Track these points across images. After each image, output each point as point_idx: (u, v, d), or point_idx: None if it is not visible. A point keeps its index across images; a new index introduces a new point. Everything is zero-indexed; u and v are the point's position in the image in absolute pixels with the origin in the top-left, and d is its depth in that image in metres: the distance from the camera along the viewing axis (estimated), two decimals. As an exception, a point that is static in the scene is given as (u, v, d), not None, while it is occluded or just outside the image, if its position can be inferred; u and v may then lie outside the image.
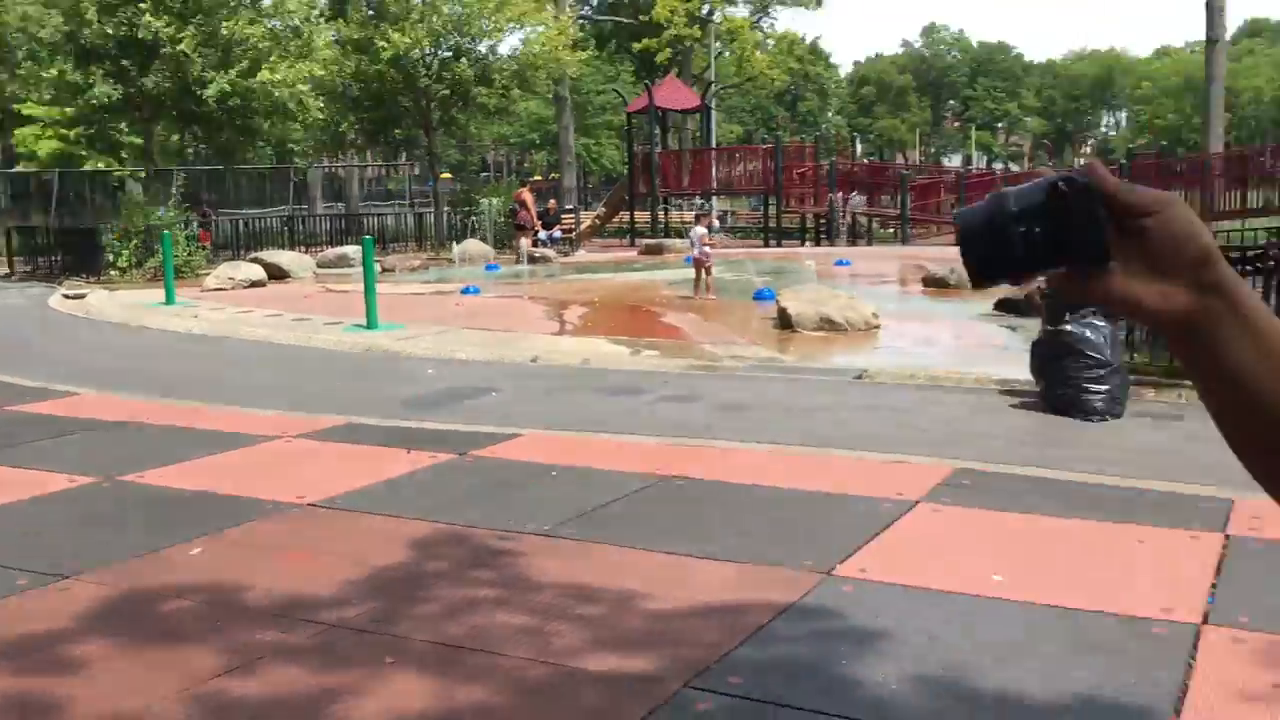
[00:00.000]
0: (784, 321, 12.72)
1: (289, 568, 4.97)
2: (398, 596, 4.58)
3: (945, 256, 20.19)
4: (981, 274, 0.87)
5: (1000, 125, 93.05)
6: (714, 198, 34.33)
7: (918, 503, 5.82)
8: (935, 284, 17.23)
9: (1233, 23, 71.24)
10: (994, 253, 0.86)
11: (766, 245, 29.40)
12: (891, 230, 30.51)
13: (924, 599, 4.47)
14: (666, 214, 31.86)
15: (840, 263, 21.67)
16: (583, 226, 31.11)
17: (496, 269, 22.33)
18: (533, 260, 22.69)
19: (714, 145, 37.63)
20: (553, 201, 31.52)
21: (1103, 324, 8.46)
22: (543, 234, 26.42)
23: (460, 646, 4.05)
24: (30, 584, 4.78)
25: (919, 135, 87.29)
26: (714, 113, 39.20)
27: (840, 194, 30.59)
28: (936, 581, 4.65)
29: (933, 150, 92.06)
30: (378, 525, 5.58)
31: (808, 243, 30.24)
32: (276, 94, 24.68)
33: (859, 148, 70.06)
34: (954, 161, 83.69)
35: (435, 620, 4.32)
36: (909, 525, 5.49)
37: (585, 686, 3.71)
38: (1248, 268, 10.22)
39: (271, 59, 24.80)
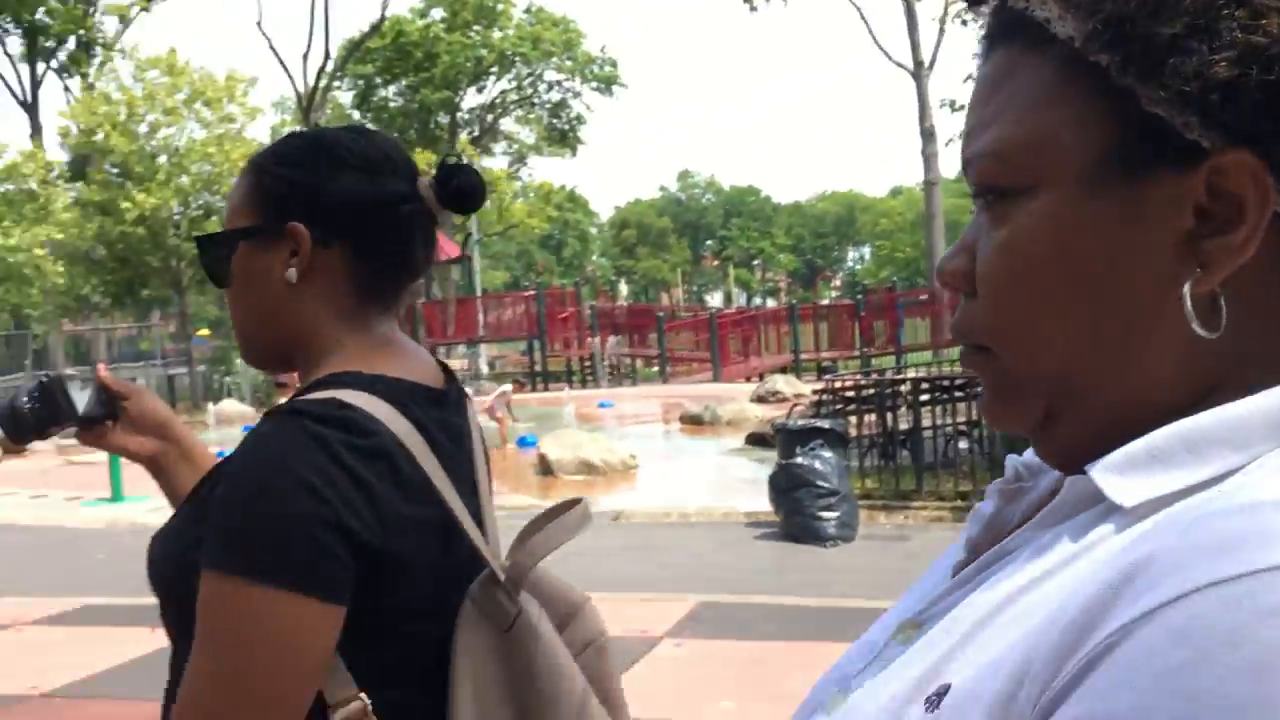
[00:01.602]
0: (545, 468, 13.04)
1: (20, 764, 4.80)
2: (137, 782, 4.51)
3: (701, 394, 21.16)
4: (14, 439, 1.57)
5: (756, 262, 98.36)
6: (480, 345, 34.77)
7: (661, 638, 6.16)
8: (691, 421, 18.02)
9: (955, 164, 78.37)
10: (12, 423, 1.56)
11: (534, 389, 29.91)
12: (656, 369, 31.65)
13: (660, 731, 4.76)
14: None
15: (603, 404, 22.33)
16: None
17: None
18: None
19: (479, 293, 38.27)
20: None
21: (829, 454, 9.18)
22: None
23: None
24: None
25: (681, 274, 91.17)
26: (477, 261, 39.97)
27: (599, 337, 31.60)
28: (671, 712, 4.96)
29: (695, 288, 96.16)
30: (117, 711, 5.46)
31: (574, 385, 30.98)
32: (11, 260, 23.69)
33: (624, 288, 72.57)
34: (715, 299, 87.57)
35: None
36: (651, 661, 5.80)
37: None
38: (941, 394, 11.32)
39: (4, 223, 23.85)
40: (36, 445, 21.28)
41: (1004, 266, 0.65)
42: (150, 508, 12.05)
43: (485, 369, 35.35)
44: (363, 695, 1.21)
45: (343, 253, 1.34)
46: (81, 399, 1.54)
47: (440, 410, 1.34)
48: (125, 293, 29.38)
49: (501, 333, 34.12)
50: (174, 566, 1.28)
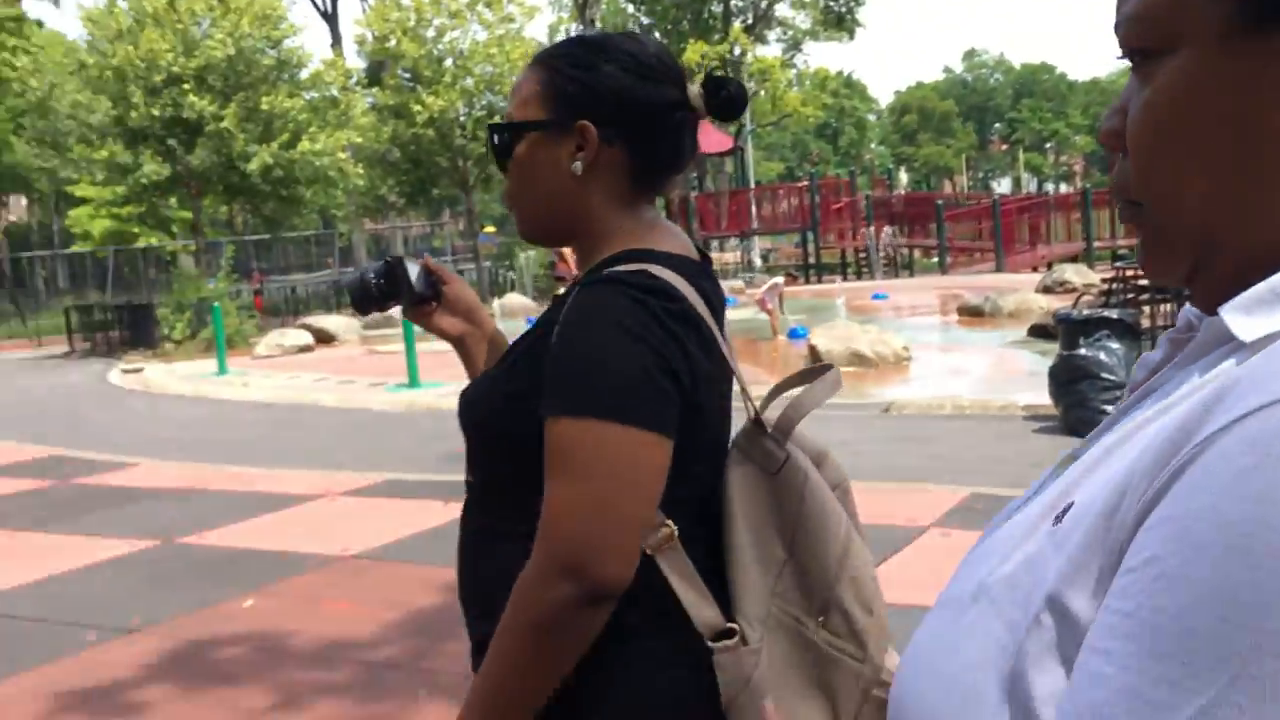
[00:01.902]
0: (814, 359, 12.99)
1: (333, 614, 5.34)
2: (433, 636, 4.93)
3: (982, 285, 20.40)
4: (359, 310, 1.79)
5: (1049, 145, 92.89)
6: (754, 237, 34.74)
7: (928, 528, 6.08)
8: (970, 313, 17.45)
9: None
10: (361, 295, 1.75)
11: (806, 282, 29.69)
12: (934, 259, 30.69)
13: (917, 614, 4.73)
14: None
15: (878, 296, 21.92)
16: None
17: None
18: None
19: (751, 185, 38.10)
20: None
21: (1117, 346, 8.68)
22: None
23: (489, 679, 4.38)
24: (99, 638, 5.19)
25: (965, 161, 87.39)
26: (750, 152, 39.73)
27: (875, 228, 30.87)
28: (930, 600, 4.90)
29: (981, 175, 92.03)
30: (416, 573, 5.95)
31: (848, 277, 30.52)
32: (317, 163, 25.53)
33: (903, 177, 70.28)
34: (1003, 185, 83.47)
35: (466, 655, 4.65)
36: (916, 549, 5.76)
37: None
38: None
39: (311, 129, 25.66)
40: (344, 335, 22.84)
41: (1148, 124, 0.70)
42: (443, 393, 12.92)
43: (758, 261, 35.37)
44: (669, 522, 1.41)
45: (622, 150, 1.51)
46: (415, 280, 1.76)
47: (706, 281, 1.51)
48: (418, 192, 31.14)
49: (774, 225, 33.91)
50: (488, 411, 1.51)
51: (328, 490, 8.30)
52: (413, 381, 13.56)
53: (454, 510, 5.89)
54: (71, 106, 26.11)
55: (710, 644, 1.41)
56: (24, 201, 51.18)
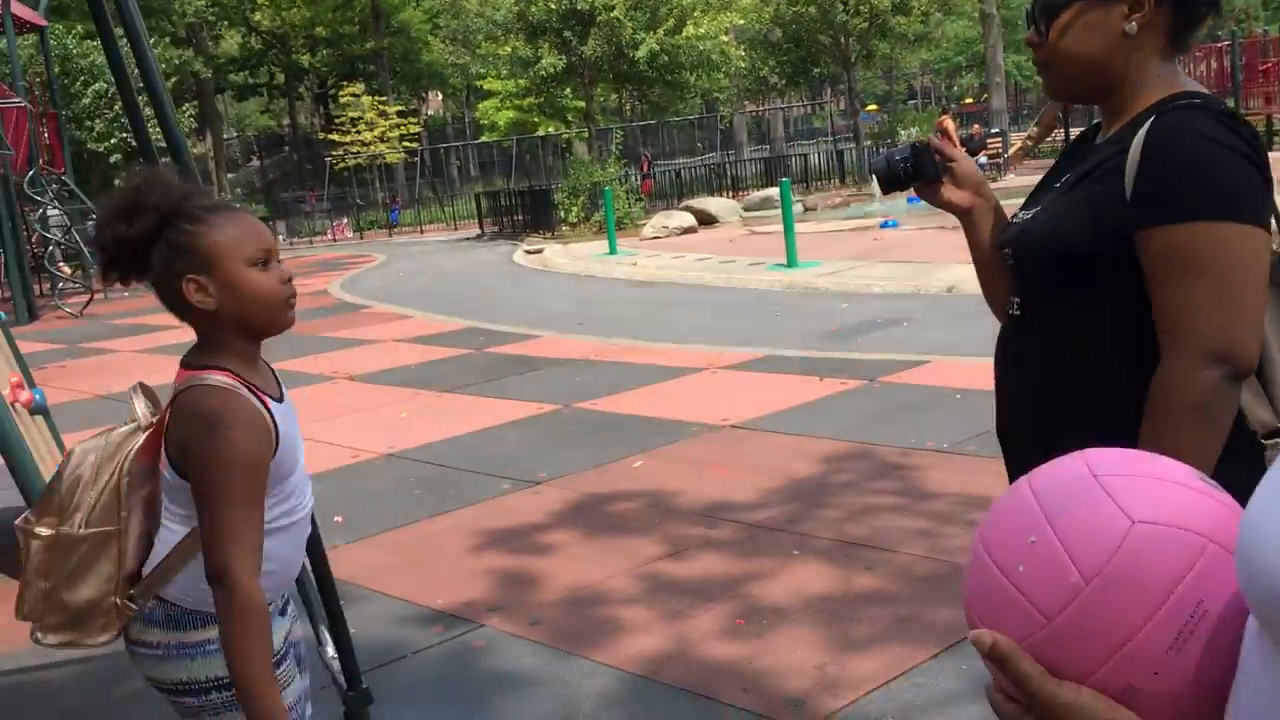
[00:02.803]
0: None
1: (713, 478, 5.72)
2: (806, 502, 5.18)
3: None
4: (884, 190, 1.96)
5: None
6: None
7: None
8: None
9: None
10: (888, 178, 1.91)
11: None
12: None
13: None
14: (1104, 129, 29.95)
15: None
16: (1011, 150, 30.04)
17: (917, 202, 22.23)
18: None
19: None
20: (976, 126, 30.61)
21: None
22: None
23: (859, 544, 4.57)
24: (512, 487, 5.87)
25: None
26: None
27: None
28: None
29: None
30: (791, 443, 6.21)
31: (1276, 146, 27.34)
32: (701, 47, 25.99)
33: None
34: None
35: (838, 522, 4.87)
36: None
37: (969, 580, 4.11)
38: None
39: (695, 14, 26.10)
40: (725, 217, 23.38)
41: None
42: (820, 273, 13.06)
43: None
44: None
45: (1171, 7, 1.66)
46: (927, 162, 1.92)
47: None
48: (799, 72, 31.00)
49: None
50: (1073, 237, 1.66)
51: (710, 364, 8.74)
52: (791, 261, 13.78)
53: (828, 386, 6.10)
54: (479, 4, 28.02)
55: (1264, 441, 1.58)
56: (440, 96, 55.80)
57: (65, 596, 1.89)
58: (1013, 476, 1.75)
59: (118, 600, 1.91)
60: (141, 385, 2.06)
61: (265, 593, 1.81)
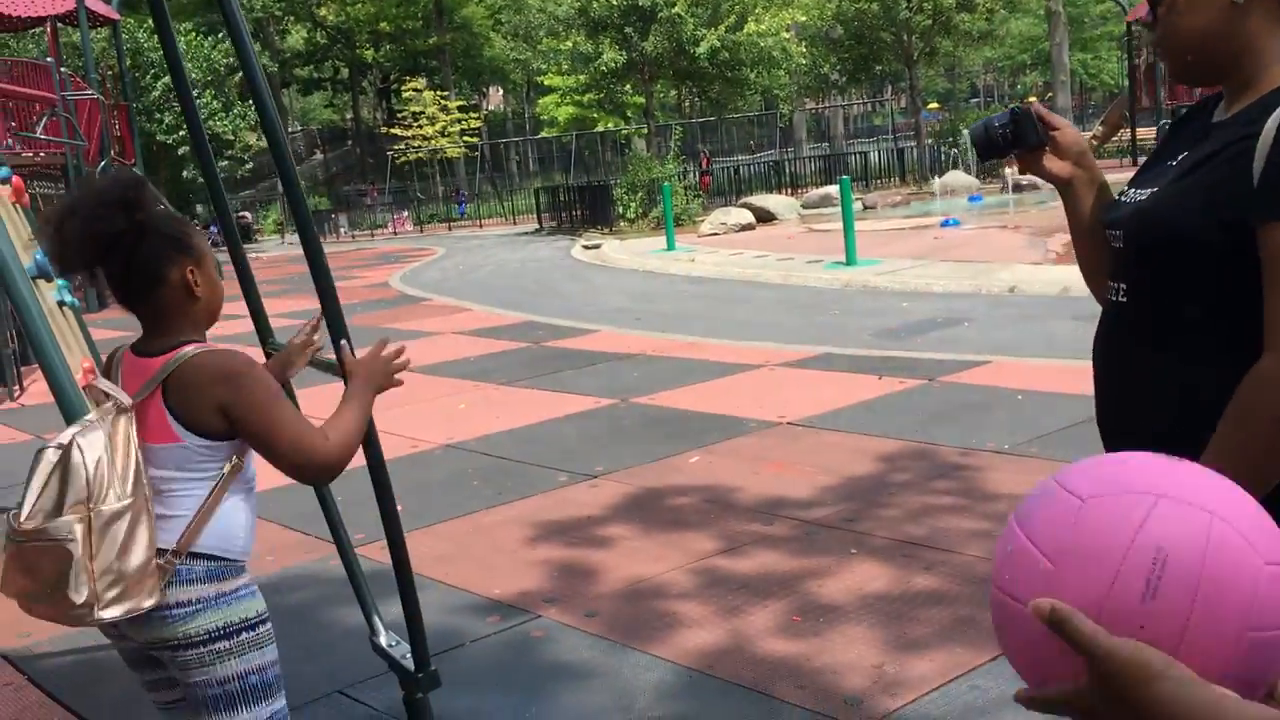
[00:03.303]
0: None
1: (770, 474, 5.70)
2: (864, 501, 5.15)
3: None
4: (982, 158, 1.91)
5: None
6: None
7: None
8: None
9: None
10: (986, 144, 1.86)
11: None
12: None
13: None
14: (1171, 129, 29.40)
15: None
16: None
17: (979, 200, 22.04)
18: (1018, 189, 22.14)
19: None
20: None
21: None
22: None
23: (917, 543, 4.54)
24: (569, 480, 5.90)
25: None
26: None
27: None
28: None
29: None
30: (848, 441, 6.18)
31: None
32: (762, 44, 25.91)
33: None
34: None
35: (897, 521, 4.84)
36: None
37: (1029, 582, 4.06)
38: None
39: (756, 11, 26.02)
40: (784, 214, 23.33)
41: None
42: (879, 270, 12.97)
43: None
44: None
45: None
46: (1028, 129, 1.86)
47: None
48: (860, 69, 30.77)
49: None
50: (1187, 225, 1.57)
51: (767, 360, 8.71)
52: (850, 259, 13.70)
53: (886, 384, 6.08)
54: (541, 1, 28.14)
55: None
56: (500, 92, 56.14)
57: (120, 566, 2.02)
58: None
59: (159, 562, 2.05)
60: (90, 386, 2.33)
61: (246, 556, 2.15)
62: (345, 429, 2.13)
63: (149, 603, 2.04)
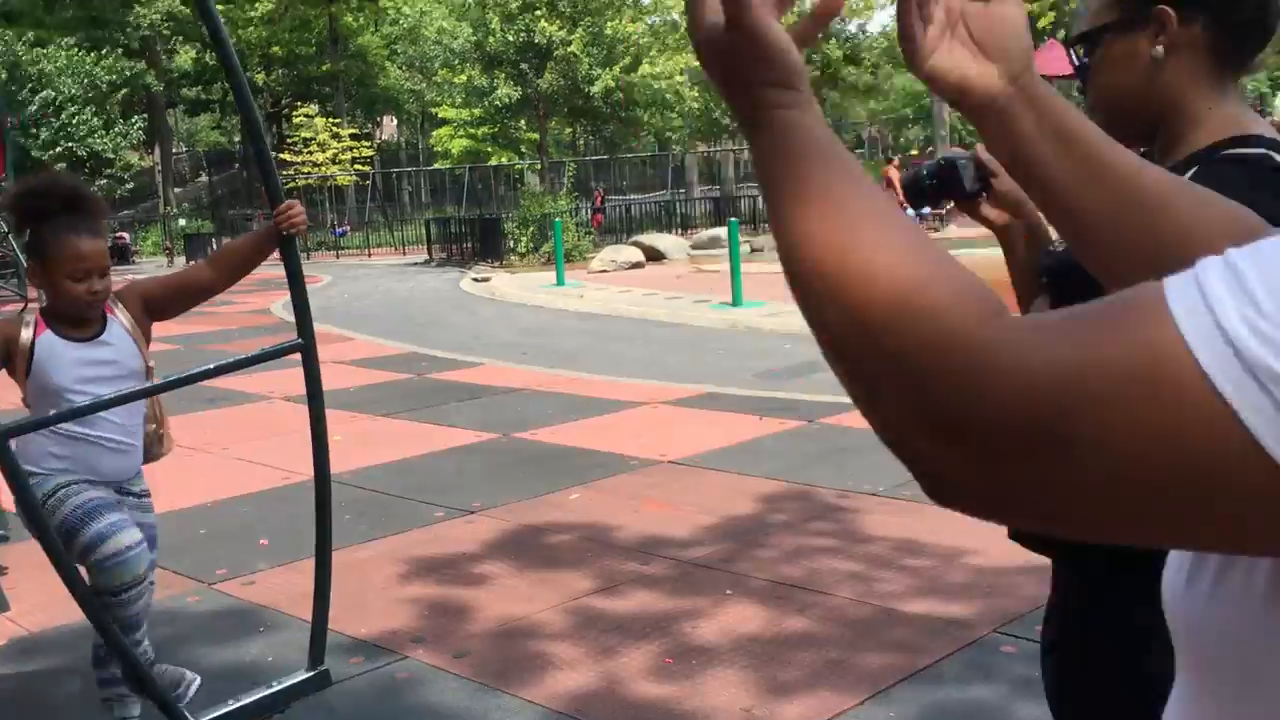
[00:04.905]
0: None
1: (650, 513, 5.67)
2: (742, 541, 5.14)
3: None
4: (912, 206, 1.92)
5: None
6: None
7: None
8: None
9: None
10: (916, 193, 1.86)
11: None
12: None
13: None
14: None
15: None
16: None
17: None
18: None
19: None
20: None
21: None
22: (910, 211, 26.27)
23: (793, 585, 4.54)
24: (445, 515, 5.78)
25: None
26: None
27: None
28: None
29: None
30: (728, 481, 6.19)
31: None
32: (655, 86, 26.21)
33: None
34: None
35: (773, 562, 4.84)
36: None
37: (900, 625, 4.10)
38: None
39: (651, 54, 26.33)
40: (673, 254, 23.47)
41: None
42: (764, 313, 13.12)
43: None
44: None
45: (1203, 26, 1.46)
46: (965, 178, 1.81)
47: None
48: (751, 115, 31.28)
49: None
50: (1095, 281, 1.54)
51: (651, 398, 8.71)
52: (736, 300, 13.84)
53: (767, 425, 6.08)
54: (437, 33, 28.04)
55: None
56: (394, 122, 55.62)
57: (165, 430, 3.43)
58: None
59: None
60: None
61: (63, 474, 3.12)
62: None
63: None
